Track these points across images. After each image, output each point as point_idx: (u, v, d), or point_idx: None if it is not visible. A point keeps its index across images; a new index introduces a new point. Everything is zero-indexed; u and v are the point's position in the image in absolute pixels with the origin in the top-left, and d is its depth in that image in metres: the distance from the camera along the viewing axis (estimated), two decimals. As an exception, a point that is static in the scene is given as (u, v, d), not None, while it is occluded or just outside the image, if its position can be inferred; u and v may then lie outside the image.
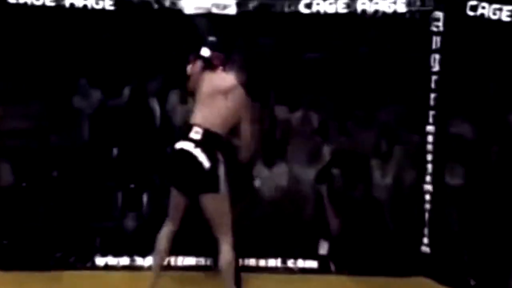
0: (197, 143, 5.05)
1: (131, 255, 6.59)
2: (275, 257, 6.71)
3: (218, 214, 5.10)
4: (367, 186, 7.35)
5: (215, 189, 5.05)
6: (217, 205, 5.07)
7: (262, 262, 6.67)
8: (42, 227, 7.16)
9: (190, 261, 6.60)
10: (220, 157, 5.12)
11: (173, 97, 8.07)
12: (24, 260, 6.61)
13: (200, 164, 5.01)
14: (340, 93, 8.35)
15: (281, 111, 8.29)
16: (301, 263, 6.68)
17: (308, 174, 7.55)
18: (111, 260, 6.60)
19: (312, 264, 6.69)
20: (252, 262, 6.63)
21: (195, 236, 6.37)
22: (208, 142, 5.06)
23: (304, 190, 7.56)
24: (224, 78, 5.31)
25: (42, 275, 6.43)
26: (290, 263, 6.67)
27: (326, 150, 7.84)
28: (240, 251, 6.48)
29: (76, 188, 7.54)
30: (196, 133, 5.08)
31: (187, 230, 5.58)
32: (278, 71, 8.61)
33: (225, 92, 5.20)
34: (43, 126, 7.91)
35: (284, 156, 7.79)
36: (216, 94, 5.18)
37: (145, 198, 7.46)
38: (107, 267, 6.58)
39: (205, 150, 5.04)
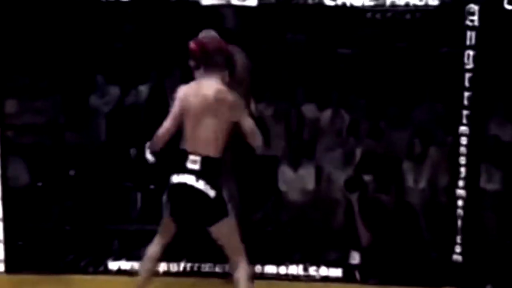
0: (198, 175, 4.77)
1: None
2: (297, 264, 6.40)
3: (230, 236, 4.87)
4: (399, 191, 7.02)
5: (224, 214, 4.80)
6: (228, 229, 4.84)
7: (283, 269, 6.37)
8: (56, 228, 7.01)
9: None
10: (220, 181, 4.84)
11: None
12: (35, 262, 6.43)
13: (206, 196, 4.75)
14: (371, 91, 8.04)
15: (309, 110, 8.02)
16: (324, 271, 6.36)
17: (337, 176, 7.26)
18: (124, 265, 6.37)
19: (336, 272, 6.38)
20: (272, 269, 6.34)
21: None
22: (208, 170, 4.77)
23: (333, 194, 7.27)
24: (211, 88, 4.82)
25: (53, 278, 6.24)
26: (312, 270, 6.37)
27: (357, 151, 7.54)
28: (261, 257, 6.29)
29: (93, 189, 7.36)
30: (193, 163, 4.78)
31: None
32: (306, 67, 8.36)
33: (214, 107, 4.77)
34: (59, 123, 7.76)
35: (311, 157, 7.51)
36: (205, 111, 4.78)
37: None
38: (119, 272, 6.36)
39: (207, 181, 4.76)
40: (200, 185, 4.74)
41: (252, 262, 6.09)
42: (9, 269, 6.32)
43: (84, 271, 6.36)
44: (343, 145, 7.61)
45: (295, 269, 6.37)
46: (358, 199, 6.56)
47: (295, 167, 7.34)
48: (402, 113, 7.81)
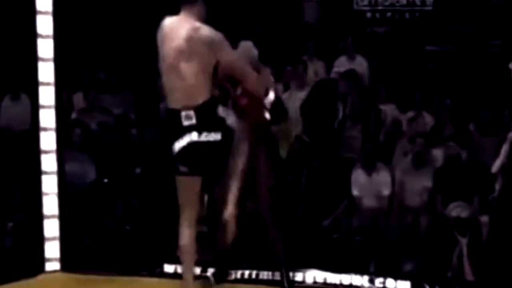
0: (198, 129, 4.53)
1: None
2: (362, 274, 6.16)
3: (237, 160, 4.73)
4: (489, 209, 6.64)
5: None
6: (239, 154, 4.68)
7: (346, 279, 6.15)
8: (117, 227, 7.02)
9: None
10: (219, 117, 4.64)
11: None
12: (92, 261, 6.44)
13: (215, 142, 4.55)
14: (458, 92, 7.73)
15: (390, 110, 7.77)
16: (391, 284, 6.10)
17: (415, 183, 6.98)
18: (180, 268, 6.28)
19: (405, 285, 6.11)
20: (335, 278, 6.14)
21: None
22: (205, 118, 4.51)
23: (408, 201, 7.00)
24: (184, 29, 4.47)
25: (108, 278, 6.22)
26: (378, 282, 6.12)
27: (439, 156, 7.24)
28: (324, 264, 6.12)
29: (159, 187, 7.34)
30: (188, 119, 4.54)
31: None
32: (389, 64, 8.14)
33: (187, 49, 4.42)
34: (129, 119, 7.80)
35: (388, 162, 7.25)
36: (179, 56, 4.44)
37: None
38: (175, 275, 6.27)
39: (209, 129, 4.53)
40: (205, 137, 4.53)
41: (314, 268, 6.03)
42: (64, 267, 6.33)
43: (139, 273, 6.30)
44: (423, 149, 7.30)
45: (359, 280, 6.13)
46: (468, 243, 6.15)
47: (369, 171, 7.10)
48: (492, 116, 7.45)
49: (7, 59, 7.97)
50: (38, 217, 6.23)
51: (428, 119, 7.57)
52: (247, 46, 5.28)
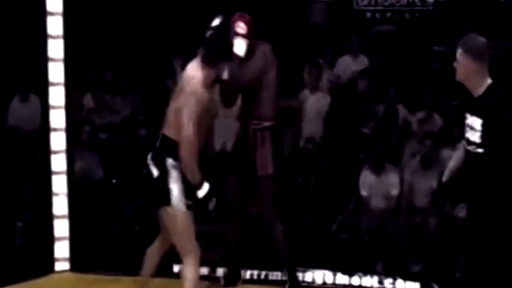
0: (153, 152, 4.66)
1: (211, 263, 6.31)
2: (371, 275, 6.21)
3: (175, 229, 4.64)
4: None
5: (165, 201, 4.61)
6: (171, 220, 4.61)
7: (355, 280, 6.20)
8: (126, 227, 7.08)
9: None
10: (172, 165, 4.61)
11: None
12: (101, 261, 6.51)
13: (150, 173, 4.63)
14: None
15: (399, 111, 7.81)
16: (400, 285, 6.15)
17: (423, 184, 7.02)
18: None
19: (414, 286, 6.15)
20: (344, 279, 6.19)
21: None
22: (161, 148, 4.61)
23: (417, 202, 7.04)
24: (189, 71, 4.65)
25: (117, 279, 6.28)
26: (387, 283, 6.17)
27: (448, 157, 7.26)
28: (333, 265, 6.16)
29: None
30: (158, 140, 4.68)
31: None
32: (399, 64, 8.17)
33: (181, 88, 4.60)
34: (138, 120, 7.85)
35: (397, 163, 7.29)
36: (176, 93, 4.63)
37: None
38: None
39: (154, 158, 4.62)
40: (148, 159, 4.63)
41: (323, 269, 6.07)
42: (74, 267, 6.39)
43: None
44: (433, 151, 7.34)
45: (369, 281, 6.18)
46: None
47: (377, 171, 7.14)
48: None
49: (18, 59, 8.04)
50: (48, 217, 6.29)
51: (438, 120, 7.60)
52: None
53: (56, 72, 6.25)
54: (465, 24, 8.01)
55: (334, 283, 6.15)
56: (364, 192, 7.14)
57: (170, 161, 4.59)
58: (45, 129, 6.32)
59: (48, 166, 6.28)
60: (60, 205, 6.29)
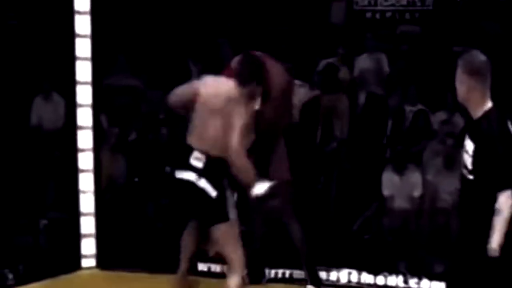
0: (200, 173, 4.71)
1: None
2: (397, 275, 6.27)
3: (228, 242, 4.81)
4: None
5: (224, 218, 4.76)
6: (226, 234, 4.79)
7: (380, 280, 6.27)
8: (149, 225, 7.14)
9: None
10: (225, 183, 4.76)
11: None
12: (126, 258, 6.58)
13: (206, 195, 4.70)
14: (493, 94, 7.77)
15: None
16: (426, 284, 6.21)
17: (445, 185, 7.07)
18: (214, 267, 6.41)
19: (439, 286, 6.22)
20: (369, 278, 6.26)
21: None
22: (211, 169, 4.70)
23: (440, 203, 7.10)
24: (224, 86, 4.79)
25: (142, 276, 6.35)
26: (413, 283, 6.23)
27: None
28: (358, 265, 6.22)
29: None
30: (197, 160, 4.72)
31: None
32: (419, 65, 8.21)
33: (222, 105, 4.70)
34: (158, 119, 7.91)
35: (418, 163, 7.35)
36: (217, 109, 4.71)
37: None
38: (209, 274, 6.40)
39: (209, 180, 4.70)
40: (202, 183, 4.69)
41: (348, 268, 6.14)
42: (100, 264, 6.47)
43: (174, 271, 6.40)
44: (454, 150, 7.39)
45: (394, 280, 6.24)
46: None
47: (400, 171, 7.20)
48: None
49: (42, 58, 8.12)
50: (75, 214, 6.37)
51: (459, 121, 7.65)
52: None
53: (83, 71, 6.33)
54: (487, 24, 8.05)
55: (359, 282, 6.22)
56: (386, 192, 7.19)
57: (225, 181, 4.73)
58: (72, 127, 6.40)
59: (75, 164, 6.36)
60: (86, 202, 6.37)
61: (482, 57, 3.98)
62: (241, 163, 4.65)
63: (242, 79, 4.79)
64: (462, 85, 3.95)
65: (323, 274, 6.15)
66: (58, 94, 8.07)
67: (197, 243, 5.04)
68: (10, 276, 6.06)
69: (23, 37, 8.35)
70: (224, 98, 4.72)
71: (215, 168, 4.71)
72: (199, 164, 4.71)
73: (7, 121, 7.92)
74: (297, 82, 7.43)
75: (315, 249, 5.95)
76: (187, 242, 5.04)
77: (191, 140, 4.78)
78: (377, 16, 8.27)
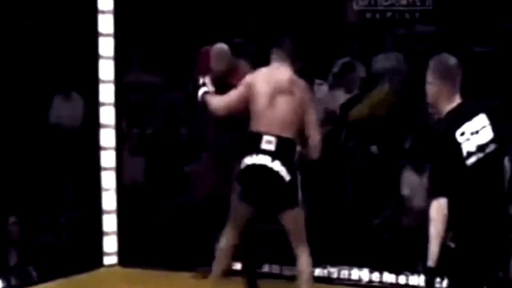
0: (273, 155, 4.75)
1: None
2: (419, 274, 6.30)
3: (298, 226, 4.87)
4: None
5: (295, 203, 4.82)
6: (296, 218, 4.85)
7: (402, 279, 6.30)
8: (169, 223, 7.20)
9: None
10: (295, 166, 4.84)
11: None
12: (147, 256, 6.63)
13: (281, 179, 4.73)
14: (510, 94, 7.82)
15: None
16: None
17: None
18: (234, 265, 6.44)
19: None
20: (391, 278, 6.30)
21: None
22: (283, 152, 4.76)
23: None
24: (282, 73, 4.93)
25: (161, 274, 6.40)
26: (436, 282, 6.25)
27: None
28: (379, 264, 6.27)
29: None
30: (268, 143, 4.78)
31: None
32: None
33: (288, 88, 4.86)
34: (178, 118, 7.97)
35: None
36: (279, 92, 4.83)
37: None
38: (230, 272, 6.42)
39: (283, 163, 4.74)
40: (276, 166, 4.72)
41: (371, 268, 6.18)
42: (122, 262, 6.53)
43: (194, 269, 6.44)
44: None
45: (417, 280, 6.28)
46: None
47: (419, 172, 7.23)
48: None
49: (64, 57, 8.18)
50: (97, 212, 6.43)
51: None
52: (220, 47, 5.44)
53: (106, 69, 6.39)
54: (506, 24, 8.07)
55: (381, 281, 6.26)
56: (405, 192, 7.23)
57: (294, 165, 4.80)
58: (94, 125, 6.45)
59: (97, 162, 6.41)
60: (109, 200, 6.43)
61: (452, 59, 3.98)
62: (318, 154, 4.87)
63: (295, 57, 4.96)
64: (432, 87, 3.91)
65: (345, 273, 6.21)
66: (77, 93, 8.13)
67: (235, 248, 5.04)
68: (34, 273, 6.12)
69: (44, 37, 8.42)
70: (286, 79, 4.86)
71: (287, 151, 4.76)
72: (271, 147, 4.74)
73: (27, 120, 7.98)
74: (317, 81, 7.52)
75: (334, 248, 5.97)
76: (225, 247, 5.03)
77: (258, 126, 4.82)
78: (377, 16, 8.27)
